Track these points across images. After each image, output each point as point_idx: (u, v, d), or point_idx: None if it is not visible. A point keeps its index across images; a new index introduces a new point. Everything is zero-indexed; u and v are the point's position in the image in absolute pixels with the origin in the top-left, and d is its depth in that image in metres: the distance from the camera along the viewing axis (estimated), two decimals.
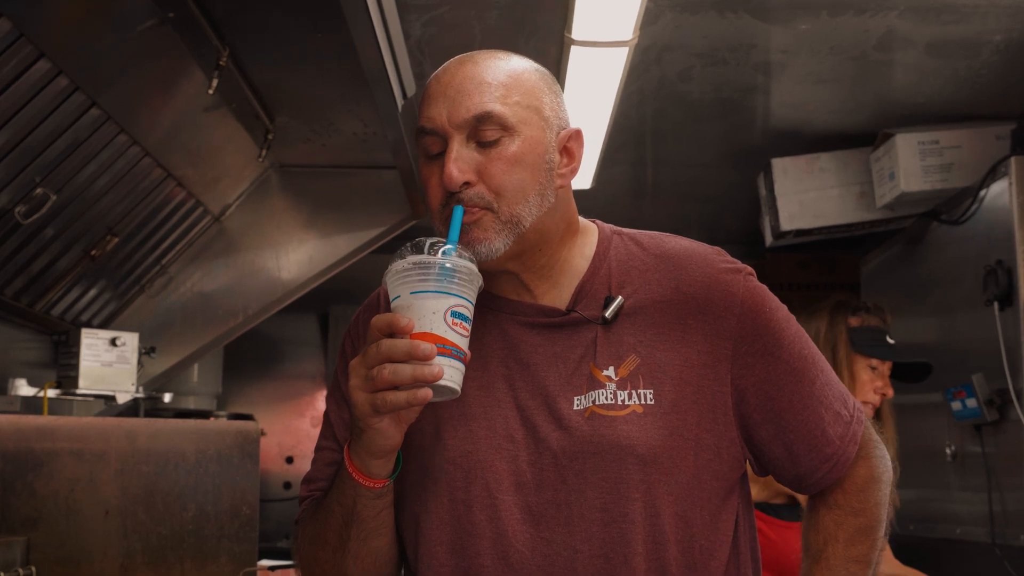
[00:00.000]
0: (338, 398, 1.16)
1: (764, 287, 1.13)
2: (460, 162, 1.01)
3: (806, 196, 2.85)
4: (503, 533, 1.03)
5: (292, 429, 3.73)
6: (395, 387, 0.89)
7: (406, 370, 0.87)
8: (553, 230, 1.09)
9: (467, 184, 1.01)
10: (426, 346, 0.88)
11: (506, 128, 1.03)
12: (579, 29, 2.08)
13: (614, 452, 1.03)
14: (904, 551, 2.07)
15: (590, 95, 2.48)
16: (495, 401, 1.06)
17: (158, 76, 2.07)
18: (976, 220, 2.59)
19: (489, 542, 1.03)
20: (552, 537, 1.03)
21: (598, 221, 1.18)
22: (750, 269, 1.13)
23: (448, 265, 0.92)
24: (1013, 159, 2.41)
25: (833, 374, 1.16)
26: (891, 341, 1.97)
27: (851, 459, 1.12)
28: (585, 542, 1.02)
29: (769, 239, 3.10)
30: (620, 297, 1.08)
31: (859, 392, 1.92)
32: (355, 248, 2.83)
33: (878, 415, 1.99)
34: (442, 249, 0.94)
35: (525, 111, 1.05)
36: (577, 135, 1.12)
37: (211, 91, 2.03)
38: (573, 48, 2.15)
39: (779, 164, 2.96)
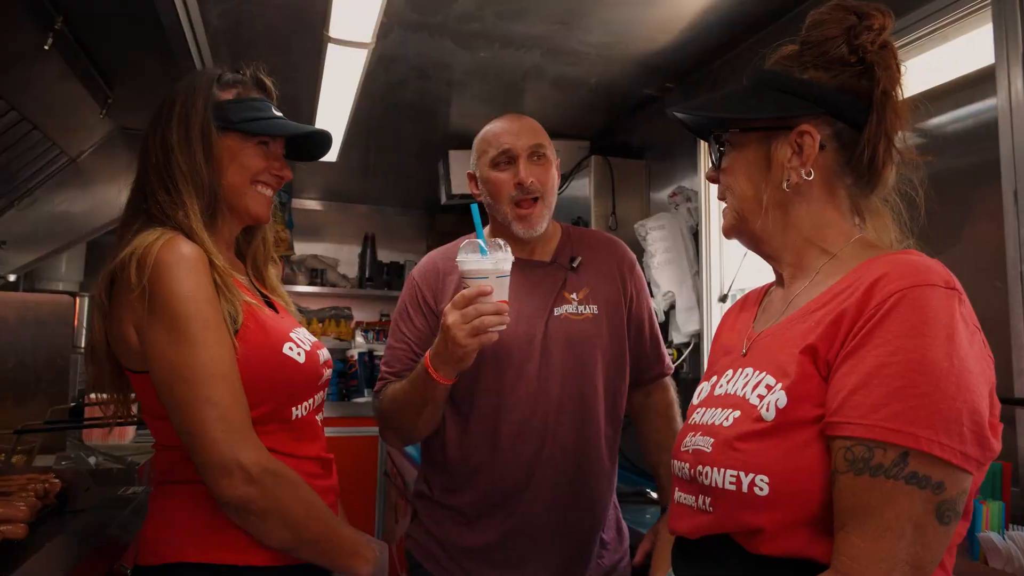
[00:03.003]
0: (406, 318, 1.73)
1: (632, 254, 1.85)
2: (528, 171, 1.67)
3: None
4: (528, 379, 1.64)
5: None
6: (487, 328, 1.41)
7: (494, 319, 1.41)
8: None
9: (532, 182, 1.66)
10: (504, 306, 1.44)
11: (545, 155, 1.70)
12: (335, 28, 2.34)
13: (580, 336, 1.68)
14: None
15: (341, 89, 2.88)
16: (522, 307, 1.65)
17: (4, 27, 2.10)
18: (566, 195, 3.44)
19: (512, 386, 1.64)
20: (549, 384, 1.64)
21: (556, 220, 1.82)
22: (624, 244, 1.85)
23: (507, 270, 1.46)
24: (593, 158, 3.32)
25: None
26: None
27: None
28: (569, 380, 1.66)
29: (444, 199, 3.98)
30: (580, 257, 1.77)
31: None
32: None
33: None
34: (504, 250, 1.47)
35: (549, 147, 1.72)
36: (556, 162, 1.76)
37: (47, 47, 2.13)
38: (330, 45, 2.44)
39: (453, 154, 3.81)
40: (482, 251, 1.41)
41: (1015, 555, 1.37)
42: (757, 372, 1.07)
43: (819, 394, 0.97)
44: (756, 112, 1.11)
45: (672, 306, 2.89)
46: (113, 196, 3.13)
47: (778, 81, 1.11)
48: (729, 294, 2.76)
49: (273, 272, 1.62)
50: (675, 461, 1.16)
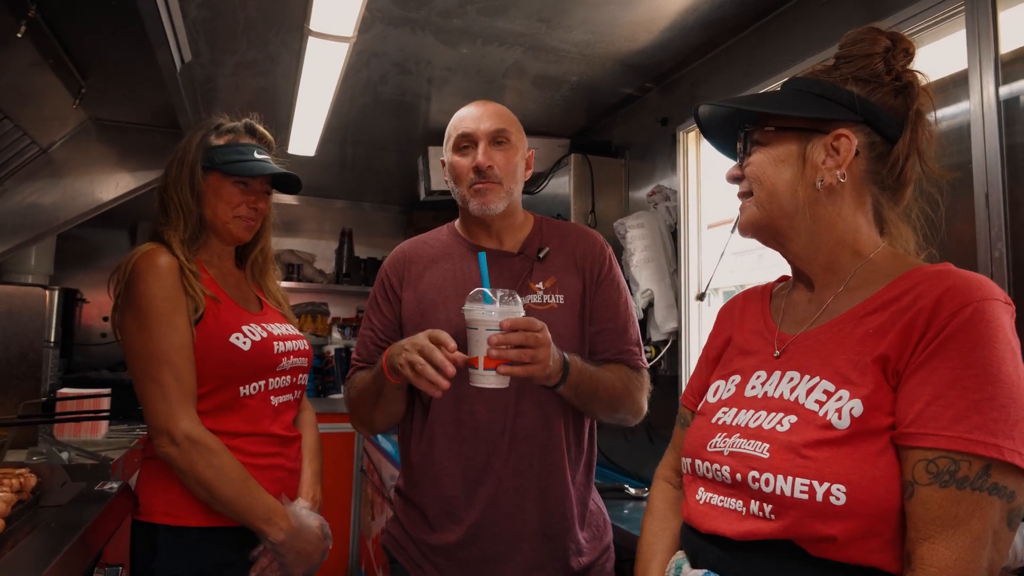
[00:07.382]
0: (375, 307, 1.74)
1: (608, 247, 1.77)
2: (486, 155, 1.64)
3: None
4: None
5: (106, 299, 4.38)
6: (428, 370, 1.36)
7: (430, 373, 1.36)
8: (517, 203, 1.73)
9: (489, 167, 1.64)
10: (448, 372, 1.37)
11: (509, 140, 1.66)
12: (315, 21, 2.34)
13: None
14: None
15: (320, 83, 2.87)
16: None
17: None
18: (546, 192, 3.53)
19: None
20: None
21: (531, 212, 1.81)
22: (602, 237, 1.76)
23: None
24: (572, 156, 3.35)
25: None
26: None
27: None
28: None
29: (423, 195, 3.99)
30: (548, 247, 1.73)
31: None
32: (151, 181, 3.25)
33: None
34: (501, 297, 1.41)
35: (515, 134, 1.69)
36: (531, 154, 1.75)
37: (19, 35, 2.11)
38: (310, 39, 2.44)
39: (432, 150, 3.82)
40: (486, 299, 1.39)
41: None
42: (808, 377, 1.07)
43: (889, 403, 0.99)
44: (799, 111, 1.14)
45: (651, 304, 2.91)
46: (85, 188, 3.11)
47: (819, 87, 1.15)
48: (707, 292, 2.79)
49: (271, 276, 1.98)
50: (698, 461, 1.15)
